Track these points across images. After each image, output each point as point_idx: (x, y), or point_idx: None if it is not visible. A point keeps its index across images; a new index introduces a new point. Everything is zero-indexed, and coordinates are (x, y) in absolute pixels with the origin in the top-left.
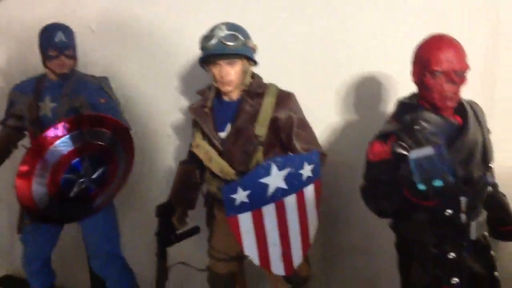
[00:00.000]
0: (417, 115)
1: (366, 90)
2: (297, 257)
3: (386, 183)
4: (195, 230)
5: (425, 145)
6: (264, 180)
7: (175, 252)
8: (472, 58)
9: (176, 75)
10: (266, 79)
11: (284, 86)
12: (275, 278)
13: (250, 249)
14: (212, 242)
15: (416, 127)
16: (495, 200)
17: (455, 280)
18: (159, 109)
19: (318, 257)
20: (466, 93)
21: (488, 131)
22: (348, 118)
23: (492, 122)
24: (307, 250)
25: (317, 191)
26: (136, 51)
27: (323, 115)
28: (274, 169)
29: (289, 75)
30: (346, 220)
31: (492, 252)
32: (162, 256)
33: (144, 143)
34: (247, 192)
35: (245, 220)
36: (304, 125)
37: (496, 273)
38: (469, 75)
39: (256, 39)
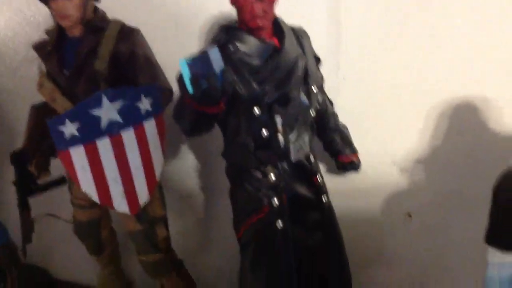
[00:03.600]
0: (232, 36)
1: None
2: (142, 195)
3: (180, 98)
4: (60, 181)
5: (237, 65)
6: (94, 112)
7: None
8: None
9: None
10: None
11: None
12: (125, 217)
13: (88, 185)
14: (72, 189)
15: (230, 47)
16: (335, 131)
17: (276, 202)
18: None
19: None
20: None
21: (317, 59)
22: None
23: None
24: (153, 188)
25: (160, 126)
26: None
27: None
28: (105, 100)
29: None
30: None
31: (318, 176)
32: (23, 206)
33: None
34: (76, 124)
35: (78, 155)
36: (149, 61)
37: (324, 197)
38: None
39: None
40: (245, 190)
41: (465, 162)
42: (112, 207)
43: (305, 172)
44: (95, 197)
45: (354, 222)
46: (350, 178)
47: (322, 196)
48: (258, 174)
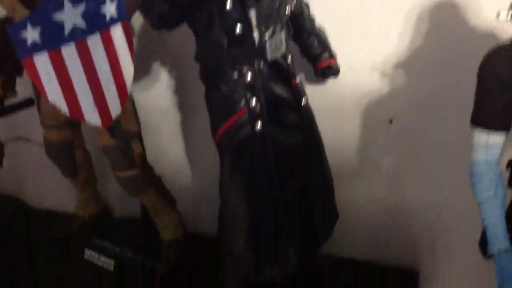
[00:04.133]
0: None
1: None
2: (114, 107)
3: None
4: (28, 102)
5: None
6: (57, 16)
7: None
8: None
9: None
10: None
11: None
12: (98, 132)
13: (56, 96)
14: (41, 108)
15: None
16: (312, 34)
17: (253, 102)
18: None
19: None
20: None
21: None
22: None
23: None
24: (125, 99)
25: (128, 34)
26: None
27: None
28: (67, 3)
29: None
30: None
31: (296, 78)
32: None
33: None
34: (38, 30)
35: (43, 62)
36: None
37: (303, 101)
38: None
39: None
40: (221, 92)
41: (445, 63)
42: (83, 120)
43: (282, 73)
44: (64, 108)
45: (334, 130)
46: (330, 86)
47: (301, 99)
48: (234, 74)
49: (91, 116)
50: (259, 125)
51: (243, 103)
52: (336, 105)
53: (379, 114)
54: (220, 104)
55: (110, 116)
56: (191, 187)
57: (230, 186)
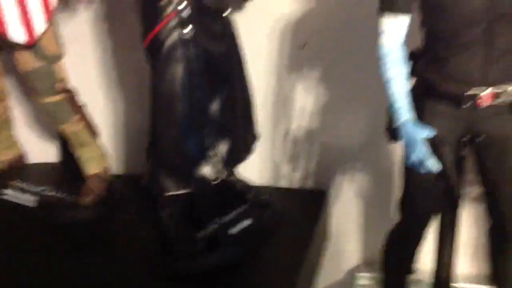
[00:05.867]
0: None
1: None
2: (38, 22)
3: None
4: None
5: None
6: None
7: None
8: None
9: None
10: None
11: None
12: (22, 55)
13: None
14: None
15: None
16: None
17: (182, 6)
18: None
19: None
20: None
21: None
22: None
23: None
24: (50, 15)
25: None
26: None
27: None
28: None
29: None
30: None
31: None
32: None
33: None
34: None
35: None
36: None
37: (226, 12)
38: None
39: None
40: None
41: None
42: (6, 36)
43: None
44: None
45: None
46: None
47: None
48: None
49: (16, 31)
50: (188, 30)
51: (171, 8)
52: (250, 29)
53: (294, 39)
54: (149, 11)
55: (35, 33)
56: (110, 127)
57: (162, 92)
